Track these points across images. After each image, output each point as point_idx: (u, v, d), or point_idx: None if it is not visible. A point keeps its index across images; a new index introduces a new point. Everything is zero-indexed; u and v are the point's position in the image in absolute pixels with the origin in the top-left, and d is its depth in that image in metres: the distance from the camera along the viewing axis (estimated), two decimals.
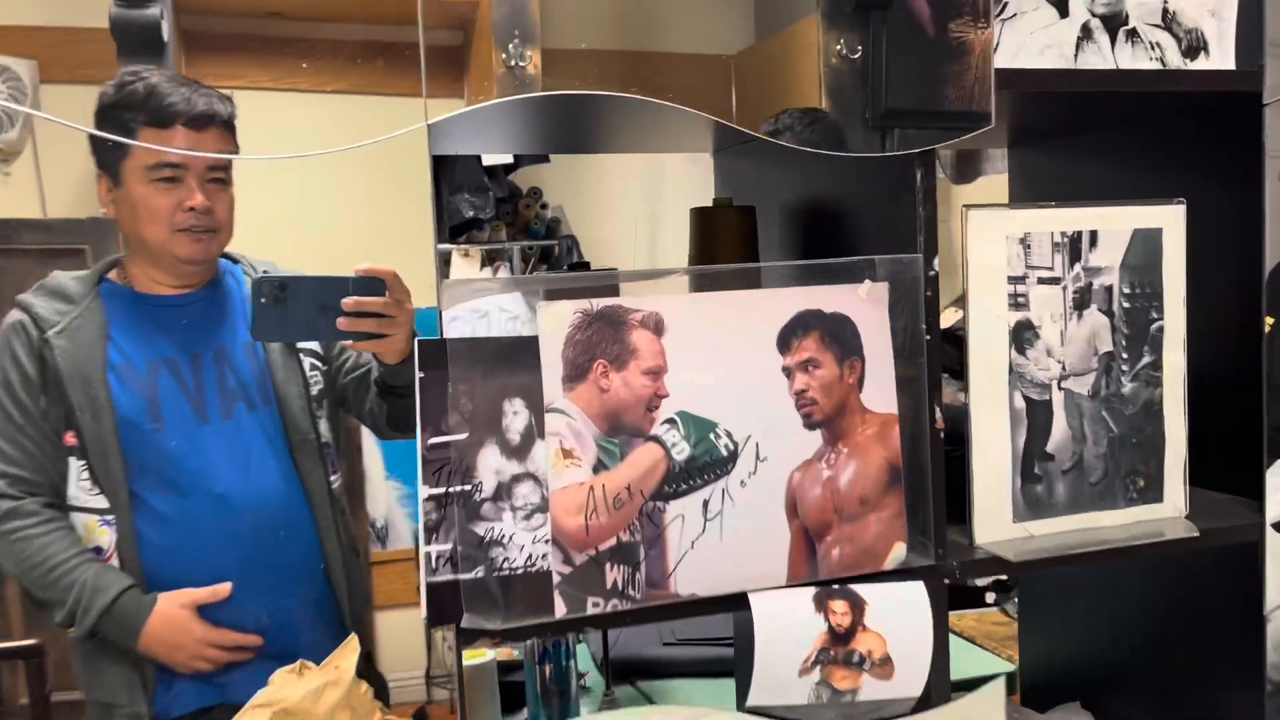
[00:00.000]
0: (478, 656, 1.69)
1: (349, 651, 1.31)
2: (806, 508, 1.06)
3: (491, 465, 0.97)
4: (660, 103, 1.03)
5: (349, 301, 1.32)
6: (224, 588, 1.58)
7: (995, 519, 1.19)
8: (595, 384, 0.99)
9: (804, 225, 1.35)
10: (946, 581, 1.12)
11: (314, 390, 1.69)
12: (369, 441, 3.69)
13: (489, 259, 3.95)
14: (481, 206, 3.79)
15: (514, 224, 4.15)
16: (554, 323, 0.98)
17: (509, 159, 3.84)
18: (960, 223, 1.15)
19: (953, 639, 2.03)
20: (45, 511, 1.58)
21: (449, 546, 0.95)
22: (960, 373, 1.18)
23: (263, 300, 1.32)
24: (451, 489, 0.95)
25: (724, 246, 1.32)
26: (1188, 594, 1.34)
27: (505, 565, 0.97)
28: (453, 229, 3.83)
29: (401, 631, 3.67)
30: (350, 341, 1.39)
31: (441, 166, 3.87)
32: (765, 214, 1.37)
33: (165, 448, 1.59)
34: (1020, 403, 1.18)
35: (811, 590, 1.06)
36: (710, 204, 1.36)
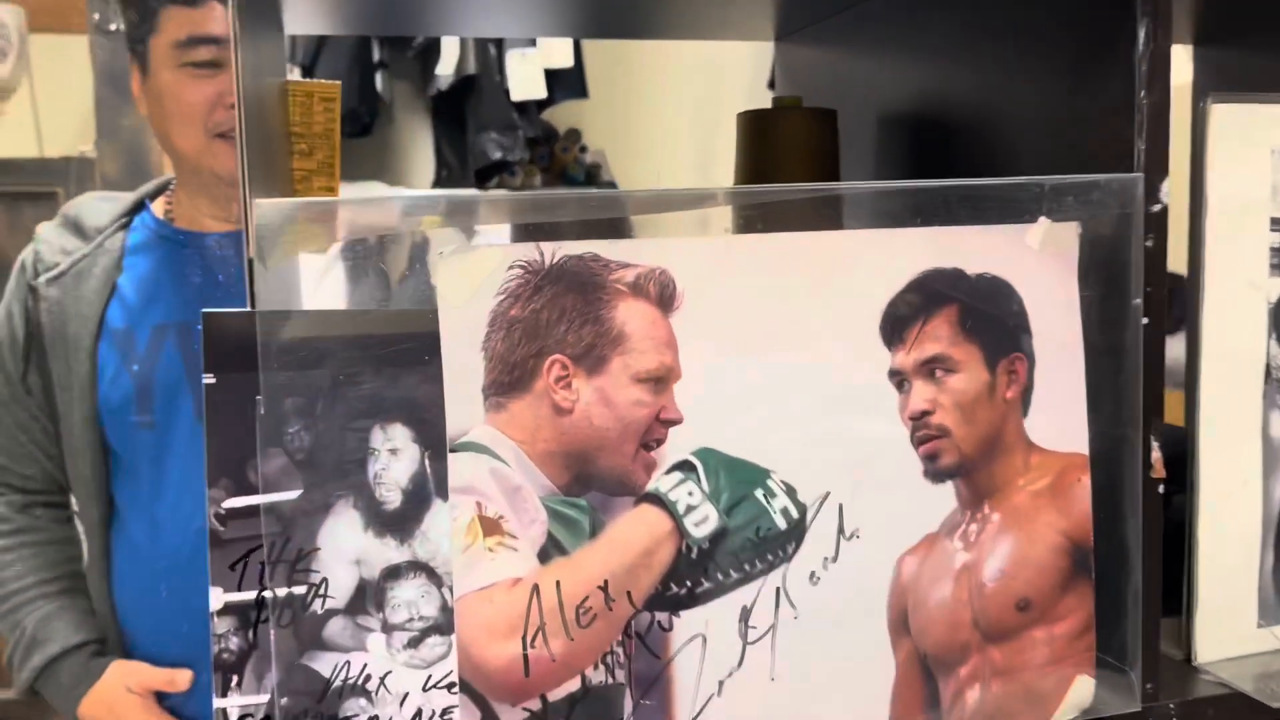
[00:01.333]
0: None
1: None
2: (927, 618, 0.60)
3: (348, 548, 0.52)
4: None
5: None
6: (183, 675, 1.18)
7: (1229, 620, 0.72)
8: (547, 399, 0.54)
9: (916, 141, 0.87)
10: None
11: None
12: None
13: None
14: (510, 147, 3.33)
15: (550, 169, 3.69)
16: (469, 284, 0.53)
17: (541, 93, 3.38)
18: (1197, 124, 0.67)
19: None
20: (17, 518, 1.21)
21: (262, 700, 0.51)
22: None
23: None
24: (270, 592, 0.51)
25: (788, 168, 0.86)
26: None
27: None
28: (479, 172, 3.38)
29: None
30: None
31: (466, 99, 3.42)
32: (852, 126, 0.90)
33: (150, 451, 1.18)
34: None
35: None
36: (773, 103, 0.89)
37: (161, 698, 1.20)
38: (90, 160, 3.00)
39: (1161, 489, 0.64)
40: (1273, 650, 0.73)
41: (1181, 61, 1.09)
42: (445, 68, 3.40)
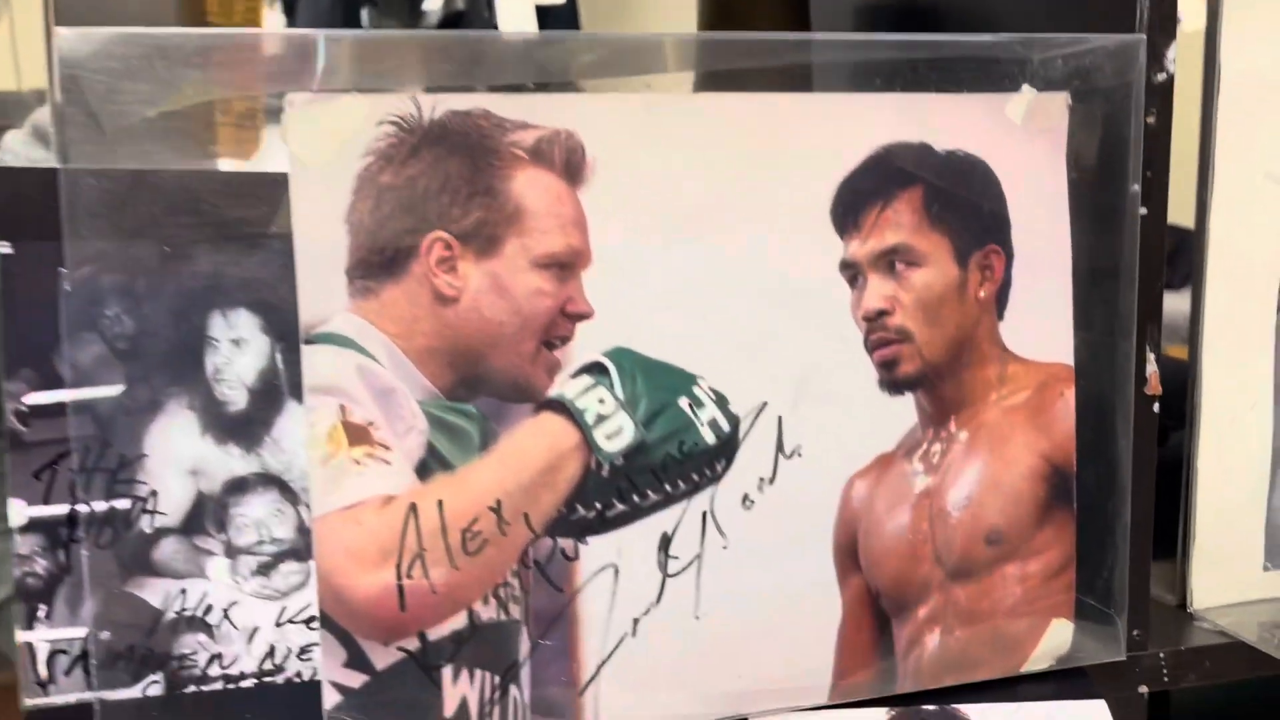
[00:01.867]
0: None
1: None
2: (881, 551, 0.52)
3: (183, 456, 0.44)
4: None
5: None
6: None
7: (1231, 562, 0.63)
8: (427, 285, 0.45)
9: (897, 27, 0.78)
10: (1144, 692, 0.58)
11: None
12: None
13: None
14: None
15: None
16: (329, 142, 0.44)
17: (532, 28, 3.26)
18: None
19: None
20: None
21: (77, 634, 0.43)
22: None
23: None
24: (85, 506, 0.43)
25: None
26: None
27: (216, 674, 0.45)
28: None
29: None
30: None
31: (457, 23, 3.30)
32: (825, 13, 0.81)
33: None
34: None
35: (884, 716, 0.52)
36: None
37: None
38: (41, 93, 2.89)
39: (1157, 408, 0.56)
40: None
41: None
42: (432, 2, 3.28)
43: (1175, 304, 0.62)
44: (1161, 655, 0.58)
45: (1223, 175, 0.59)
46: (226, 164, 0.59)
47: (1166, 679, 0.58)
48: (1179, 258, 0.63)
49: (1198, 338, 0.60)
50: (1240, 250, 0.60)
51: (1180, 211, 0.59)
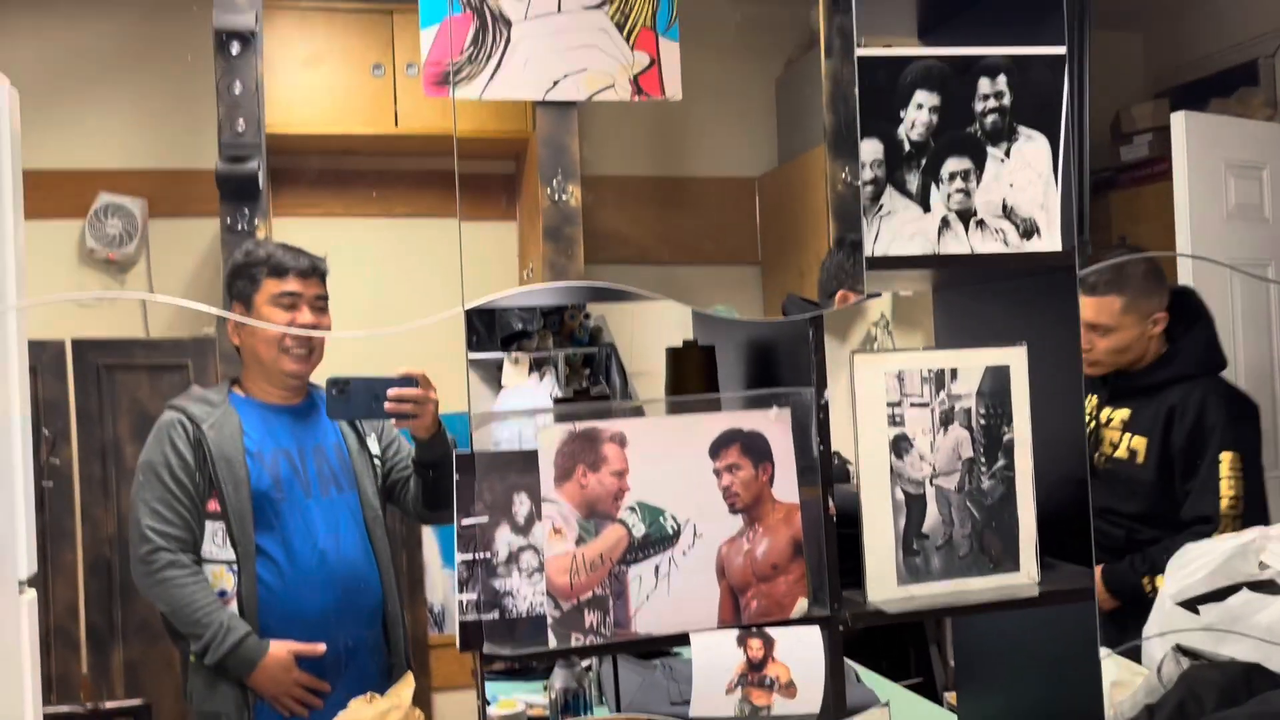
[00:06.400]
0: (509, 708, 2.11)
1: (407, 684, 1.74)
2: (732, 572, 1.48)
3: (505, 539, 1.41)
4: (652, 296, 1.49)
5: (392, 392, 2.00)
6: (320, 646, 2.08)
7: (884, 583, 1.59)
8: (577, 482, 1.43)
9: (749, 361, 1.79)
10: (841, 628, 1.52)
11: (378, 481, 2.24)
12: (428, 535, 4.18)
13: (536, 365, 4.44)
14: (529, 319, 4.29)
15: (560, 333, 4.64)
16: (549, 440, 1.43)
17: None
18: (852, 366, 1.58)
19: (913, 696, 2.39)
20: (192, 565, 2.12)
21: (475, 596, 1.39)
22: None
23: (334, 392, 2.02)
24: (477, 556, 1.39)
25: (691, 378, 1.77)
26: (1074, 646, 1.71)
27: (514, 610, 1.40)
28: (504, 339, 4.34)
29: (458, 711, 4.05)
30: (393, 420, 2.09)
31: None
32: (725, 351, 1.82)
33: (284, 513, 2.14)
34: (900, 495, 1.59)
35: (735, 631, 1.47)
36: (682, 344, 1.81)
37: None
38: (211, 339, 3.92)
39: (834, 519, 1.52)
40: (904, 597, 1.59)
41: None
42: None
43: None
44: (847, 614, 1.52)
45: (863, 433, 1.57)
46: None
47: (849, 623, 1.52)
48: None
49: (859, 491, 1.57)
50: (872, 460, 1.58)
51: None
